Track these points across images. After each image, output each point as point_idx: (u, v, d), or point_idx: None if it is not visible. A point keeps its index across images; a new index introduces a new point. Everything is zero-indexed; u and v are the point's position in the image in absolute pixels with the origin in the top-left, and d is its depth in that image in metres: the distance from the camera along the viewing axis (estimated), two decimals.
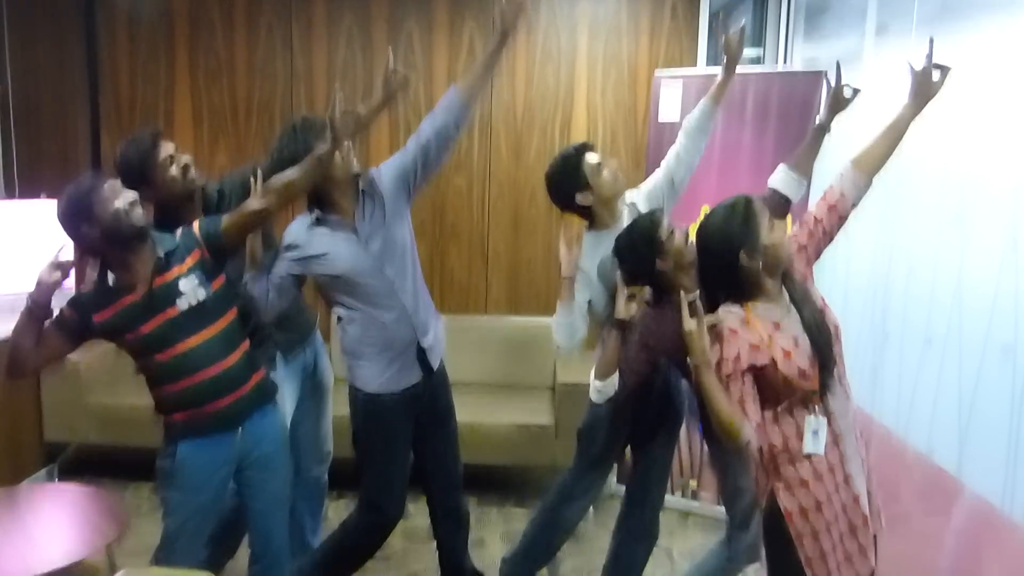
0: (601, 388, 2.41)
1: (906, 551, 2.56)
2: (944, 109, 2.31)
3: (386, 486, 2.48)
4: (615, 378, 2.39)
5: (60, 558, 2.30)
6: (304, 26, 4.09)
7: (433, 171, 2.42)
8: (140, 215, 2.02)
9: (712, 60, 4.06)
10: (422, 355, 2.43)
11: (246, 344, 2.20)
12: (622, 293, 2.31)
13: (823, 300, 1.97)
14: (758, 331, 1.84)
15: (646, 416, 2.59)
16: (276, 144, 2.32)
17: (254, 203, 2.11)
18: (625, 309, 2.29)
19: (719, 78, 2.57)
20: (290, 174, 2.11)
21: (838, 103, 2.23)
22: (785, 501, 1.88)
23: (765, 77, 3.49)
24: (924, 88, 1.94)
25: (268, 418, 2.24)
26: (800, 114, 3.28)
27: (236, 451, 2.17)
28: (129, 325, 2.03)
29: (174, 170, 2.34)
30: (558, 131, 4.13)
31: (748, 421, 1.80)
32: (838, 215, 2.00)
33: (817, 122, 2.29)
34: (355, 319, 2.37)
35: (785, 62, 3.82)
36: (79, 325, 2.04)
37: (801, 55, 3.78)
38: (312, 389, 2.77)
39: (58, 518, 2.71)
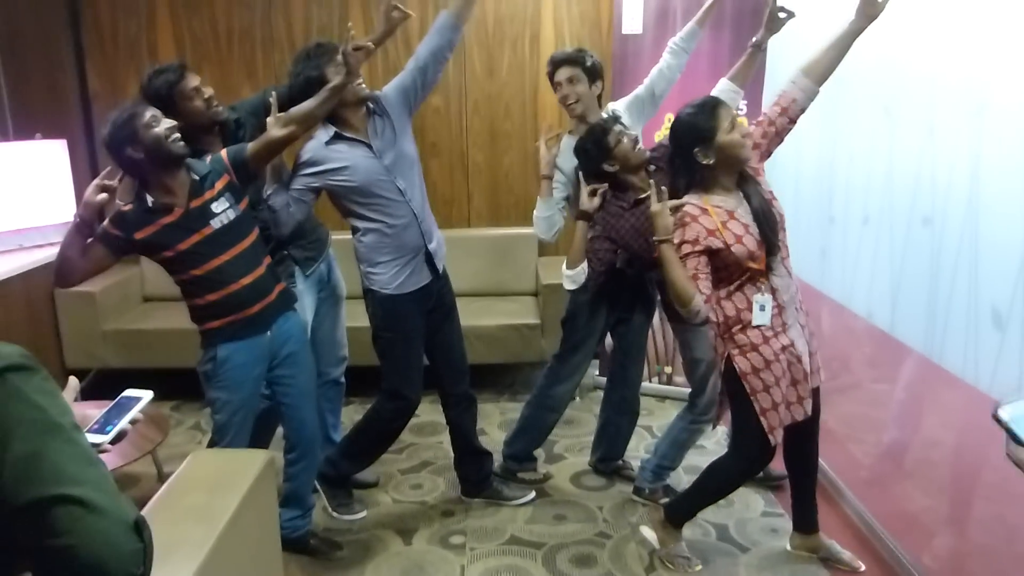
0: (572, 276, 2.77)
1: (858, 411, 2.96)
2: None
3: (406, 375, 2.77)
4: (584, 266, 2.74)
5: (115, 460, 2.58)
6: None
7: (430, 88, 2.68)
8: (179, 141, 2.23)
9: None
10: (429, 258, 2.70)
11: (268, 259, 2.47)
12: (584, 189, 2.64)
13: (771, 193, 2.27)
14: (714, 218, 2.16)
15: (620, 302, 2.94)
16: (292, 69, 2.57)
17: (277, 132, 2.32)
18: (589, 202, 2.65)
19: (707, 3, 2.91)
20: (309, 104, 2.34)
21: (773, 24, 2.59)
22: (739, 363, 2.24)
23: None
24: (870, 8, 2.17)
25: (291, 321, 2.52)
26: (752, 23, 3.50)
27: (267, 351, 2.44)
28: (168, 243, 2.26)
29: (198, 101, 2.55)
30: (528, 46, 4.31)
31: (699, 293, 2.13)
32: (789, 117, 2.30)
33: (753, 40, 2.63)
34: (370, 229, 2.63)
35: None
36: (122, 241, 2.25)
37: None
38: (327, 299, 3.05)
39: None
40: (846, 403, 2.96)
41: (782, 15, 2.56)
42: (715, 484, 2.51)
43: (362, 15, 4.26)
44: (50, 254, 3.85)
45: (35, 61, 4.09)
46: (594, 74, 2.85)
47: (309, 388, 2.61)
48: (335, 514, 2.94)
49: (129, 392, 1.28)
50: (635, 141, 2.66)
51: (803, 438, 2.44)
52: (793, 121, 2.31)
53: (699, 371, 2.84)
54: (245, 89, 4.11)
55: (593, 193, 2.69)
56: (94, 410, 1.26)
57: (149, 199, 2.25)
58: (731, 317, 2.24)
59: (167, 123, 2.21)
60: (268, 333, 2.43)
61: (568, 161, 2.82)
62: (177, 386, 3.74)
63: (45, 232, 3.97)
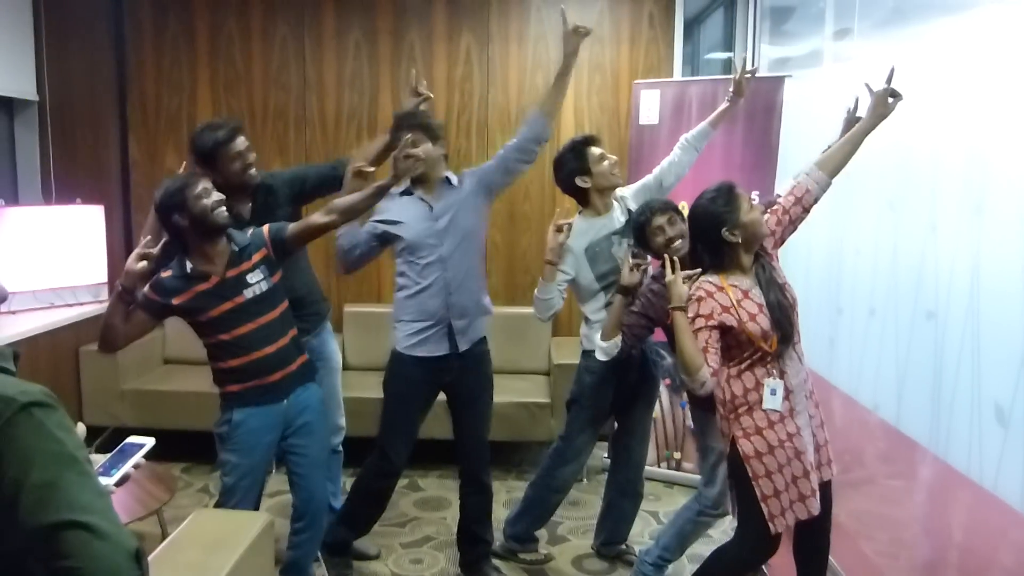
0: (606, 348, 2.76)
1: (871, 508, 2.91)
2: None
3: (393, 437, 2.81)
4: (618, 339, 2.73)
5: (120, 517, 2.62)
6: (315, 38, 4.44)
7: (512, 176, 2.89)
8: (224, 214, 2.35)
9: (687, 61, 4.41)
10: (451, 333, 2.74)
11: (295, 331, 2.54)
12: (627, 263, 2.70)
13: (785, 278, 2.33)
14: (730, 295, 2.22)
15: (626, 384, 2.96)
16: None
17: (319, 218, 2.44)
18: (629, 276, 2.69)
19: (722, 107, 3.07)
20: (355, 198, 2.47)
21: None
22: (743, 446, 2.24)
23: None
24: (880, 109, 2.28)
25: (309, 392, 2.57)
26: (764, 114, 3.64)
27: (282, 419, 2.49)
28: (201, 308, 2.36)
29: (238, 164, 2.68)
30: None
31: (707, 366, 2.17)
32: (803, 207, 2.37)
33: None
34: (403, 285, 2.77)
35: (753, 64, 4.17)
36: (160, 306, 2.36)
37: (767, 58, 4.14)
38: (320, 370, 3.07)
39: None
40: (854, 498, 2.92)
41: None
42: (717, 571, 2.46)
43: (391, 98, 4.47)
44: (79, 313, 4.00)
45: (81, 130, 4.34)
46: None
47: (320, 458, 2.65)
48: None
49: (132, 439, 1.35)
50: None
51: (814, 532, 2.38)
52: (807, 211, 2.38)
53: (711, 459, 2.80)
54: (275, 164, 4.29)
55: (635, 268, 2.70)
56: (99, 456, 1.31)
57: (188, 265, 2.36)
58: (738, 397, 2.25)
59: (216, 196, 2.35)
60: (285, 402, 2.49)
61: (579, 240, 2.90)
62: (189, 448, 3.78)
63: (77, 292, 4.12)
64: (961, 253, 2.17)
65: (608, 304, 2.86)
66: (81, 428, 1.26)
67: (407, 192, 2.75)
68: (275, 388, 2.45)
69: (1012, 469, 1.93)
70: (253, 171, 2.74)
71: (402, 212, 2.73)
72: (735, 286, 2.26)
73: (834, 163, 2.35)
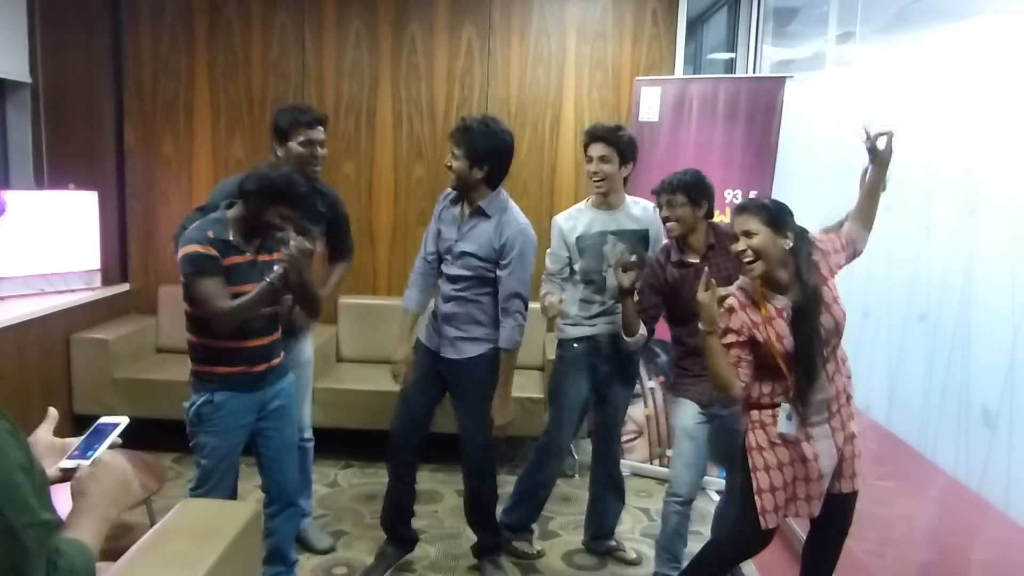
0: (634, 341, 2.80)
1: (859, 508, 2.91)
2: (881, 114, 2.66)
3: (395, 409, 2.93)
4: (643, 330, 2.78)
5: None
6: (315, 27, 4.42)
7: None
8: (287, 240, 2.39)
9: (689, 62, 4.41)
10: (440, 336, 2.80)
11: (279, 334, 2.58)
12: (617, 270, 2.71)
13: (835, 297, 2.23)
14: (762, 312, 2.17)
15: (600, 377, 2.99)
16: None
17: (220, 305, 2.32)
18: (622, 277, 2.68)
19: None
20: (249, 299, 2.36)
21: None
22: (748, 437, 2.25)
23: (734, 82, 3.84)
24: (878, 155, 2.19)
25: (284, 379, 2.61)
26: (765, 114, 3.63)
27: (259, 403, 2.51)
28: (233, 278, 2.37)
29: (306, 152, 2.78)
30: (548, 129, 4.47)
31: (739, 381, 2.15)
32: (854, 250, 2.28)
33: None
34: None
35: (755, 65, 4.17)
36: (220, 263, 2.34)
37: (770, 59, 4.13)
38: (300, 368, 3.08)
39: None
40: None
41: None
42: (710, 558, 2.46)
43: (391, 89, 4.45)
44: (70, 300, 3.98)
45: (76, 115, 4.29)
46: (626, 155, 2.88)
47: (293, 442, 2.67)
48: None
49: (105, 419, 1.32)
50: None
51: (822, 543, 2.36)
52: (853, 256, 2.30)
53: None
54: (271, 156, 4.26)
55: (625, 270, 2.67)
56: (73, 440, 1.30)
57: (231, 235, 2.38)
58: (752, 395, 2.24)
59: (298, 228, 2.42)
60: (264, 390, 2.51)
61: (572, 228, 2.93)
62: (181, 438, 3.75)
63: (68, 279, 4.10)
64: (954, 255, 2.17)
65: (584, 300, 2.94)
66: (52, 415, 1.27)
67: (455, 201, 2.78)
68: (259, 378, 2.49)
69: (997, 471, 1.93)
70: (318, 166, 2.84)
71: (443, 211, 2.81)
72: (770, 304, 2.19)
73: (866, 215, 2.26)
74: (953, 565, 2.24)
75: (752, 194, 3.61)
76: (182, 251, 2.34)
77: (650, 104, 3.95)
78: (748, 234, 2.13)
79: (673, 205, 2.67)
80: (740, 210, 2.20)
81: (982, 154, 2.11)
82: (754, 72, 4.14)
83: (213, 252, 2.33)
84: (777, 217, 2.15)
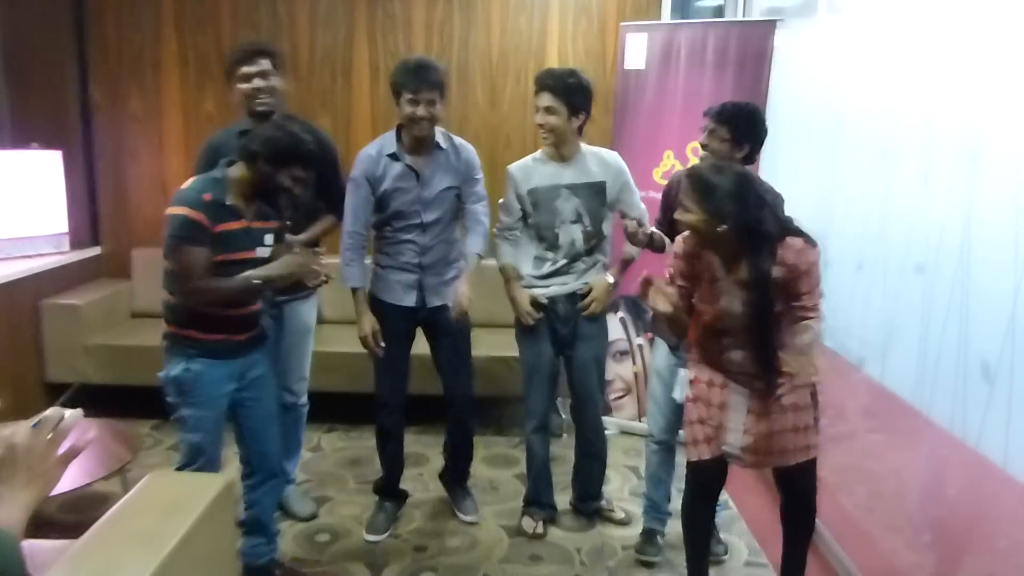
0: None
1: (851, 462, 2.88)
2: (879, 61, 2.55)
3: (378, 376, 2.95)
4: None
5: (79, 478, 2.52)
6: None
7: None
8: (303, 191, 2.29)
9: (676, 8, 4.24)
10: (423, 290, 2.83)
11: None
12: (646, 303, 2.33)
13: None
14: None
15: (561, 338, 2.89)
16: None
17: (203, 283, 2.21)
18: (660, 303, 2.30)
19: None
20: (231, 285, 2.24)
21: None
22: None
23: (723, 27, 3.70)
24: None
25: (262, 347, 2.50)
26: (754, 62, 3.50)
27: (237, 372, 2.39)
28: (225, 246, 2.22)
29: (245, 87, 2.69)
30: (531, 79, 4.27)
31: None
32: None
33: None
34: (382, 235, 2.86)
35: (744, 11, 4.02)
36: (208, 231, 2.18)
37: (759, 6, 3.98)
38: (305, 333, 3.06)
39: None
40: (837, 453, 2.88)
41: (631, 228, 2.59)
42: (683, 519, 2.42)
43: (367, 39, 4.28)
44: (38, 265, 3.84)
45: (37, 71, 4.10)
46: (576, 105, 2.71)
47: (273, 411, 2.57)
48: None
49: (50, 412, 1.16)
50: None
51: (796, 501, 2.31)
52: None
53: None
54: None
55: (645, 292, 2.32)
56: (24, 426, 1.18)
57: (229, 197, 2.24)
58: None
59: (304, 191, 2.31)
60: (242, 359, 2.40)
61: (524, 180, 2.82)
62: (158, 405, 3.67)
63: (35, 243, 3.95)
64: (953, 205, 2.09)
65: (538, 258, 2.86)
66: None
67: (395, 157, 2.74)
68: (240, 347, 2.38)
69: (995, 427, 1.87)
70: (263, 98, 2.69)
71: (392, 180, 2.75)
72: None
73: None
74: (951, 522, 2.20)
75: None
76: (171, 209, 2.19)
77: (636, 51, 3.80)
78: (685, 209, 2.11)
79: (714, 135, 2.53)
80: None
81: (983, 97, 2.00)
82: (744, 18, 3.99)
83: (203, 220, 2.17)
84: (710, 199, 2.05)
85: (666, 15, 4.16)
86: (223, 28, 4.26)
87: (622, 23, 3.97)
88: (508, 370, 3.86)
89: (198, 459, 2.35)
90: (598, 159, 2.83)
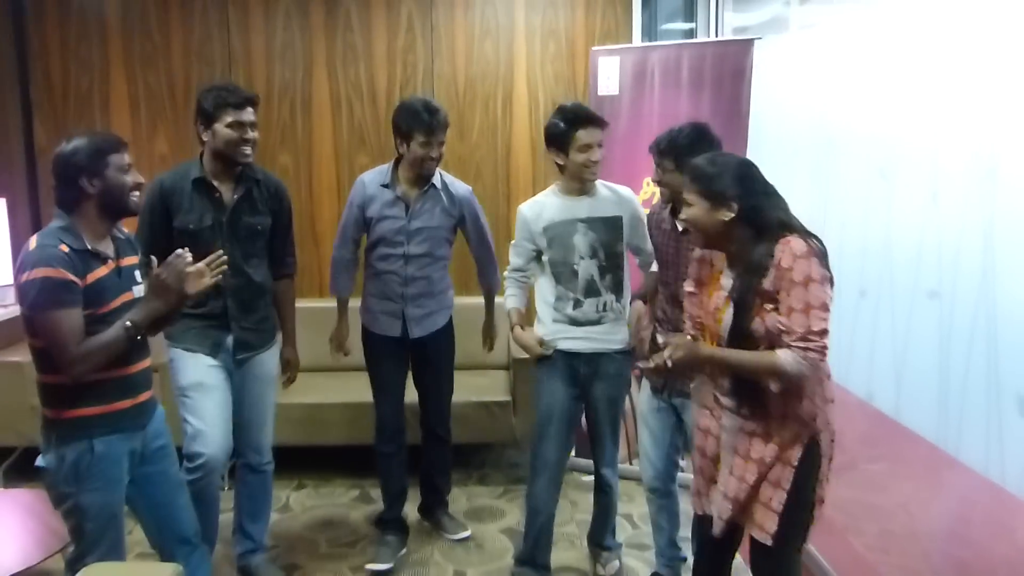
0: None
1: (852, 495, 2.68)
2: (868, 74, 2.40)
3: (375, 399, 3.04)
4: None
5: (15, 563, 2.26)
6: (240, 6, 4.04)
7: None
8: (136, 201, 2.01)
9: (646, 33, 4.12)
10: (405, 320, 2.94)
11: None
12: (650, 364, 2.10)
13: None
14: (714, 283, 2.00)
15: (576, 381, 2.67)
16: None
17: (72, 350, 1.88)
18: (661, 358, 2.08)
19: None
20: (115, 336, 1.94)
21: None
22: None
23: (698, 47, 3.56)
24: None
25: (158, 409, 2.18)
26: (733, 80, 3.36)
27: (140, 443, 2.07)
28: (102, 297, 1.93)
29: (236, 135, 2.52)
30: (500, 106, 4.15)
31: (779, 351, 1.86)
32: None
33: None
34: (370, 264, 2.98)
35: (717, 31, 3.90)
36: (79, 289, 1.89)
37: (731, 24, 3.87)
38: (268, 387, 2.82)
39: (11, 523, 2.66)
40: (845, 489, 2.68)
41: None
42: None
43: (327, 72, 4.09)
44: None
45: None
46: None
47: (180, 479, 2.27)
48: None
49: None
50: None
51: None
52: None
53: None
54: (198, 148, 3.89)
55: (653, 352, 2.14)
56: None
57: (86, 241, 1.93)
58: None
59: (138, 178, 2.00)
60: (148, 427, 2.09)
61: (539, 217, 2.64)
62: None
63: None
64: (969, 225, 1.92)
65: (559, 298, 2.64)
66: None
67: (387, 187, 2.87)
68: (143, 409, 2.06)
69: None
70: (248, 151, 2.53)
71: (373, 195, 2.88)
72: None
73: None
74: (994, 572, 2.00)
75: None
76: (28, 275, 1.86)
77: (609, 75, 3.65)
78: (687, 203, 1.96)
79: (663, 169, 2.40)
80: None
81: (998, 112, 1.85)
82: (717, 37, 3.87)
83: (68, 276, 1.86)
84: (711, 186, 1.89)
85: (636, 38, 4.04)
86: (175, 64, 4.06)
87: (593, 47, 3.82)
88: (489, 415, 3.65)
89: (95, 550, 1.97)
90: (612, 192, 2.67)
